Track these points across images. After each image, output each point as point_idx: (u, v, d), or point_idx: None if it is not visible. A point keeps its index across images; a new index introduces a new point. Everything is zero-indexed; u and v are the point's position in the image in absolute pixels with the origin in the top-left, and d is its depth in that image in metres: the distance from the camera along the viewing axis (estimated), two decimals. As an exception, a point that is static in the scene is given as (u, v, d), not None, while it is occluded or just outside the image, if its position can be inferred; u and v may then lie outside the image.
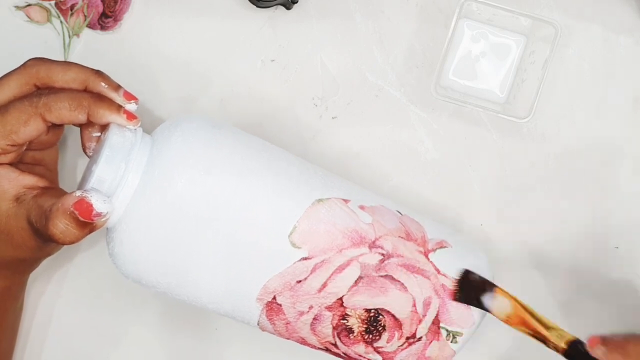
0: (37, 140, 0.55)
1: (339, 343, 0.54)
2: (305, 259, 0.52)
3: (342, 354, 0.55)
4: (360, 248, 0.53)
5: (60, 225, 0.49)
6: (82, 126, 0.54)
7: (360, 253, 0.53)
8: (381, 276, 0.53)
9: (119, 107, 0.52)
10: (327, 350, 0.55)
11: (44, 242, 0.53)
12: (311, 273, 0.52)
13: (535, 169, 0.63)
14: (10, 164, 0.53)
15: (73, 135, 0.62)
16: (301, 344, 0.55)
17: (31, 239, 0.52)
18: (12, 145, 0.52)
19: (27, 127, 0.51)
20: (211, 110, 0.63)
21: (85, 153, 0.54)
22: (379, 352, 0.54)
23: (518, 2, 0.61)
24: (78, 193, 0.49)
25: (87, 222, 0.49)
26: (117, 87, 0.53)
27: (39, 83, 0.53)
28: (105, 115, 0.51)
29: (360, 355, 0.55)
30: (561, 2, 0.62)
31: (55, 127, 0.56)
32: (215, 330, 0.64)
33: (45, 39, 0.63)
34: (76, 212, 0.48)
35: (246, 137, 0.54)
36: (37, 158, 0.57)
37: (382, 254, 0.53)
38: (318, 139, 0.62)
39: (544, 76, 0.59)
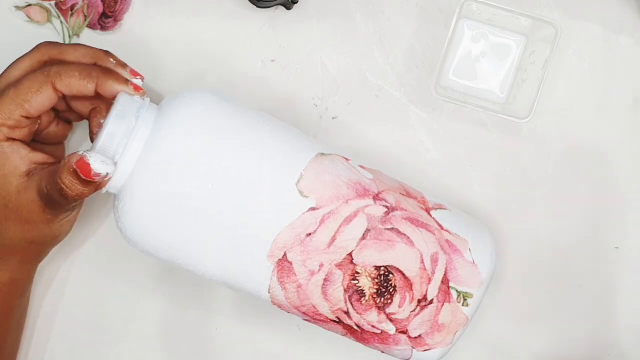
0: (46, 132, 0.58)
1: (350, 310, 0.54)
2: (313, 209, 0.53)
3: (354, 326, 0.55)
4: (365, 199, 0.54)
5: (66, 180, 0.52)
6: (90, 113, 0.56)
7: (365, 204, 0.54)
8: (387, 229, 0.54)
9: (126, 80, 0.55)
10: (339, 322, 0.55)
11: (53, 211, 0.54)
12: (320, 225, 0.53)
13: (535, 169, 0.63)
14: (22, 142, 0.55)
15: (78, 132, 0.62)
16: (312, 319, 0.55)
17: (40, 212, 0.54)
18: (27, 117, 0.54)
19: (39, 95, 0.54)
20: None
21: (92, 141, 0.56)
22: (391, 320, 0.54)
23: (518, 2, 0.61)
24: (80, 152, 0.51)
25: (88, 180, 0.51)
26: (124, 65, 0.56)
27: (50, 60, 0.56)
28: (113, 85, 0.54)
29: (373, 326, 0.55)
30: (561, 2, 0.62)
31: (65, 122, 0.59)
32: (216, 330, 0.64)
33: (46, 39, 0.62)
34: (78, 170, 0.51)
35: (248, 107, 0.56)
36: (44, 152, 0.58)
37: (387, 207, 0.54)
38: (318, 139, 0.62)
39: (544, 76, 0.59)
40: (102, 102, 0.56)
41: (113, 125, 0.52)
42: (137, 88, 0.55)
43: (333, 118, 0.63)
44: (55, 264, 0.64)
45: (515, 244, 0.63)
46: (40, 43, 0.57)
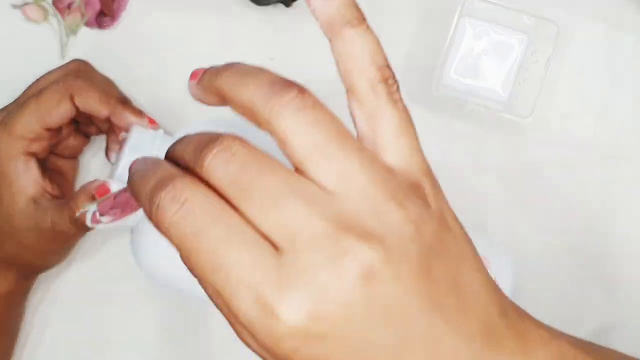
0: (64, 145, 0.58)
1: None
2: None
3: None
4: None
5: (81, 205, 0.52)
6: (108, 130, 0.57)
7: None
8: None
9: (141, 113, 0.56)
10: None
11: (48, 245, 0.54)
12: None
13: (536, 168, 0.62)
14: (37, 159, 0.55)
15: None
16: None
17: (35, 243, 0.54)
18: (47, 130, 0.54)
19: (59, 108, 0.54)
20: (210, 110, 0.62)
21: (107, 157, 0.57)
22: None
23: (520, 1, 0.61)
24: (102, 179, 0.52)
25: None
26: (141, 113, 0.57)
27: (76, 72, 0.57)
28: (129, 117, 0.55)
29: None
30: (563, 0, 0.61)
31: (82, 136, 0.59)
32: (216, 335, 0.64)
33: (43, 38, 0.62)
34: (96, 196, 0.51)
35: (262, 135, 0.55)
36: (58, 165, 0.59)
37: None
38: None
39: (546, 75, 0.59)
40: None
41: (129, 157, 0.52)
42: (151, 122, 0.55)
43: (333, 117, 0.63)
44: (52, 272, 0.63)
45: (516, 243, 0.62)
46: (75, 60, 0.58)
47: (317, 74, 0.62)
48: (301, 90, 0.33)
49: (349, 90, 0.35)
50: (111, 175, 0.53)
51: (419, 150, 0.35)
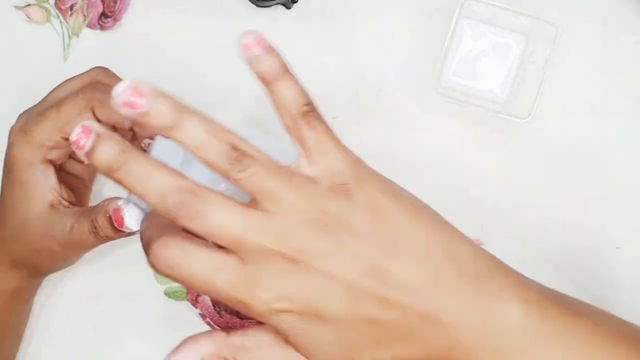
0: None
1: None
2: None
3: None
4: None
5: (100, 222, 0.52)
6: (132, 138, 0.57)
7: None
8: None
9: None
10: None
11: (63, 251, 0.54)
12: None
13: (535, 169, 0.63)
14: (54, 166, 0.55)
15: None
16: None
17: (48, 248, 0.54)
18: (67, 139, 0.54)
19: (79, 119, 0.53)
20: (211, 111, 0.63)
21: None
22: None
23: (518, 2, 0.61)
24: (120, 202, 0.51)
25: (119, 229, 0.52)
26: None
27: (95, 83, 0.56)
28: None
29: None
30: (561, 1, 0.62)
31: None
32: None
33: (45, 39, 0.63)
34: (112, 218, 0.51)
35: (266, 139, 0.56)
36: (78, 170, 0.59)
37: None
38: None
39: (544, 76, 0.59)
40: None
41: None
42: None
43: (333, 118, 0.63)
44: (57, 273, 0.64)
45: (515, 244, 0.63)
46: (95, 67, 0.57)
47: (317, 75, 0.63)
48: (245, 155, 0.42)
49: (285, 126, 0.43)
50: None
51: (339, 157, 0.43)
